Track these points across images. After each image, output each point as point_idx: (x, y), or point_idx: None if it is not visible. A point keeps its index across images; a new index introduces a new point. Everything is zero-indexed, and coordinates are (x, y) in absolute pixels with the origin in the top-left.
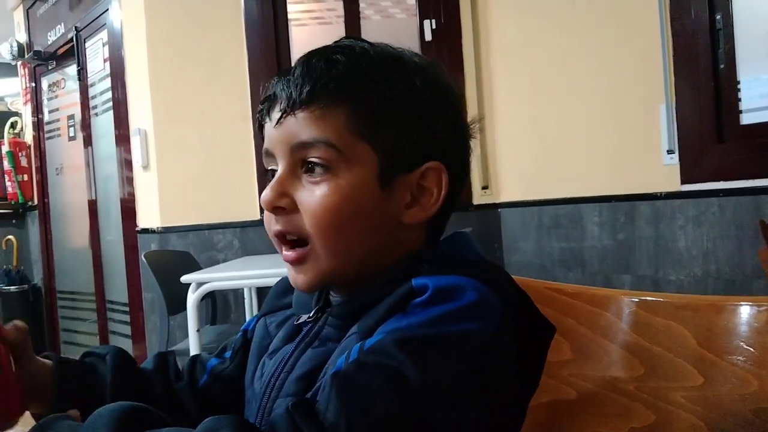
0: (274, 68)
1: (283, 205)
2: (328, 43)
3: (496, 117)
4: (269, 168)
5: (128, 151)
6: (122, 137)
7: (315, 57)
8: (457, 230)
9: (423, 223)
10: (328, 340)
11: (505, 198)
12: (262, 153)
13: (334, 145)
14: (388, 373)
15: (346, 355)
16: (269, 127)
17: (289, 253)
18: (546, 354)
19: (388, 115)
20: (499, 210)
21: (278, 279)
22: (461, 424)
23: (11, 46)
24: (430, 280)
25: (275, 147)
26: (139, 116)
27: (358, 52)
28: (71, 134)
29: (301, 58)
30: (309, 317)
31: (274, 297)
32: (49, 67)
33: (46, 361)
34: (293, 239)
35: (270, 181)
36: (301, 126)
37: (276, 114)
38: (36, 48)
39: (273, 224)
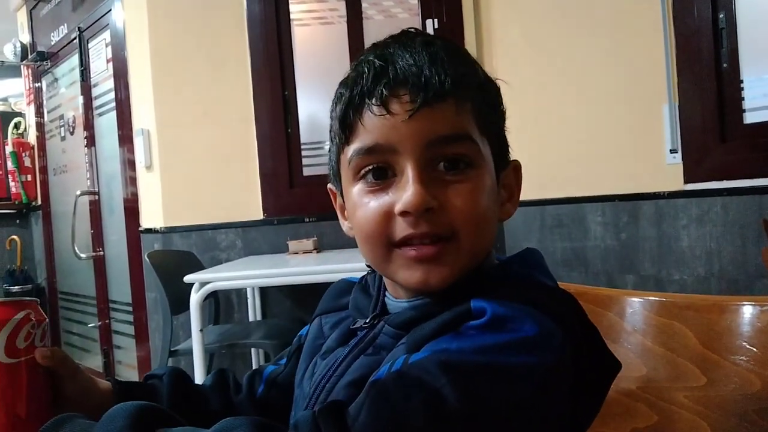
0: (276, 68)
1: (433, 206)
2: (329, 44)
3: None
4: (376, 165)
5: (131, 151)
6: (125, 137)
7: (432, 46)
8: (529, 246)
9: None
10: (383, 348)
11: None
12: (358, 151)
13: (474, 140)
14: (427, 393)
15: (390, 365)
16: (389, 119)
17: (428, 250)
18: (607, 390)
19: (495, 109)
20: None
21: (277, 279)
22: None
23: (14, 47)
24: (489, 305)
25: (404, 142)
26: (142, 117)
27: (453, 45)
28: (62, 134)
29: (407, 44)
30: (365, 323)
31: (331, 297)
32: (51, 68)
33: (105, 382)
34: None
35: (372, 181)
36: (438, 119)
37: (405, 104)
38: (39, 48)
39: (407, 229)
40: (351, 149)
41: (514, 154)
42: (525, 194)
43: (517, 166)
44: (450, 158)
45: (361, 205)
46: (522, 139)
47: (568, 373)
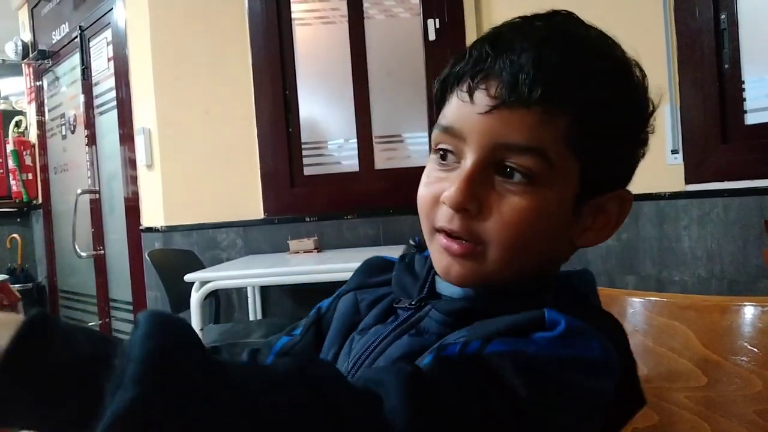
0: (277, 68)
1: (470, 209)
2: (331, 44)
3: None
4: (441, 147)
5: (132, 150)
6: (126, 136)
7: (549, 44)
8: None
9: (569, 252)
10: (427, 332)
11: None
12: (438, 126)
13: (549, 157)
14: (503, 387)
15: (462, 345)
16: (468, 107)
17: (454, 245)
18: (626, 423)
19: (610, 130)
20: None
21: (278, 278)
22: None
23: (16, 45)
24: (563, 318)
25: (472, 134)
26: (143, 115)
27: (588, 47)
28: (63, 133)
29: (526, 34)
30: (411, 304)
31: (364, 273)
32: (52, 66)
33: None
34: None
35: (440, 161)
36: (515, 125)
37: (486, 98)
38: (40, 47)
39: (443, 220)
40: (438, 122)
41: None
42: None
43: (623, 197)
44: (512, 168)
45: (425, 179)
46: None
47: (611, 399)
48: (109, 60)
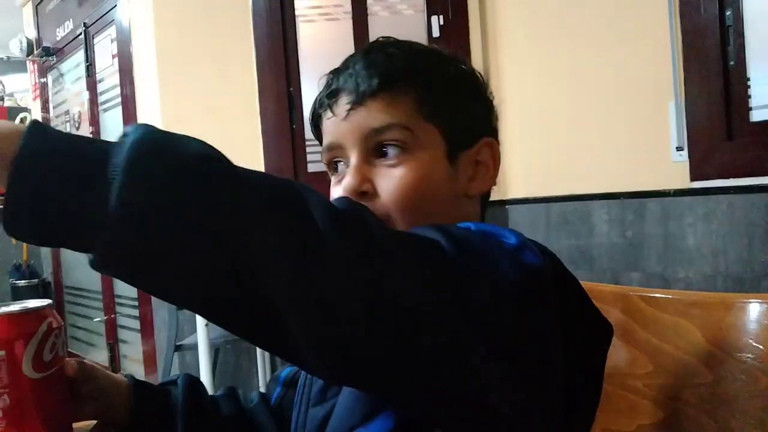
0: (281, 65)
1: (366, 190)
2: (335, 40)
3: (503, 113)
4: (333, 161)
5: None
6: None
7: (371, 52)
8: None
9: (480, 196)
10: None
11: (512, 194)
12: (322, 150)
13: (407, 127)
14: (426, 240)
15: None
16: (334, 121)
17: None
18: (604, 358)
19: (448, 97)
20: (507, 206)
21: None
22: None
23: (20, 42)
24: (473, 224)
25: (345, 138)
26: (148, 112)
27: (407, 46)
28: (68, 130)
29: (354, 55)
30: None
31: None
32: (57, 63)
33: (121, 377)
34: None
35: (335, 174)
36: (371, 114)
37: (343, 107)
38: (45, 44)
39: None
40: (322, 148)
41: (522, 150)
42: (530, 191)
43: (488, 143)
44: (382, 147)
45: (330, 193)
46: (527, 136)
47: (550, 303)
48: (113, 57)
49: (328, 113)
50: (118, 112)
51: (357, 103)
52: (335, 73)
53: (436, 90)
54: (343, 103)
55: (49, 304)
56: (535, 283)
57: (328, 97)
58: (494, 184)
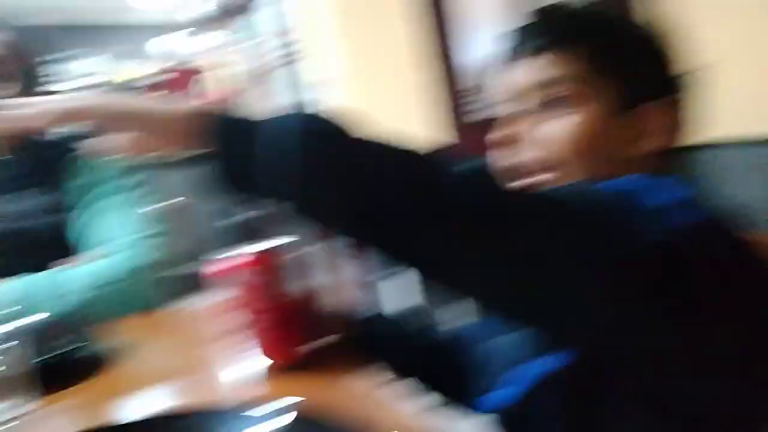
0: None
1: (531, 138)
2: None
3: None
4: (500, 111)
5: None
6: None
7: (550, 8)
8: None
9: (649, 159)
10: None
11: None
12: (490, 100)
13: (578, 81)
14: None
15: None
16: (509, 72)
17: (539, 178)
18: None
19: (622, 56)
20: (716, 150)
21: None
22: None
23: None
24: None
25: (514, 89)
26: (325, 65)
27: (584, 4)
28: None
29: (528, 11)
30: None
31: None
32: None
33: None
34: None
35: (501, 125)
36: (545, 67)
37: (517, 60)
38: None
39: (513, 157)
40: (490, 98)
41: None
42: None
43: (670, 102)
44: (552, 99)
45: (490, 143)
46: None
47: (695, 264)
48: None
49: (503, 65)
50: (300, 66)
51: (530, 56)
52: (509, 28)
53: (614, 46)
54: (517, 56)
55: (296, 240)
56: (675, 246)
57: (507, 50)
58: (672, 143)
